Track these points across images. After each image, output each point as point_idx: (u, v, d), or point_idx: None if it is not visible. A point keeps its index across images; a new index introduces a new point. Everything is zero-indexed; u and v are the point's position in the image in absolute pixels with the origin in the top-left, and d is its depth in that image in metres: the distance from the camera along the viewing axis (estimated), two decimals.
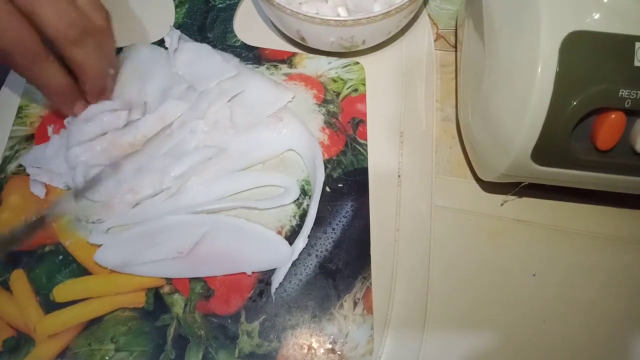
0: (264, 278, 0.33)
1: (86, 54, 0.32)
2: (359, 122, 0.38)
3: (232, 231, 0.33)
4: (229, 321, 0.31)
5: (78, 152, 0.34)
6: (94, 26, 0.32)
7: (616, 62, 0.28)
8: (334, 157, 0.37)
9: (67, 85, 0.33)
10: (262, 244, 0.33)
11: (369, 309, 0.32)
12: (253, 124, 0.36)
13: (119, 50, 0.39)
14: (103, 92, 0.35)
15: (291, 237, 0.34)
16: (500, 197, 0.36)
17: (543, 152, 0.29)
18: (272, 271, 0.33)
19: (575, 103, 0.28)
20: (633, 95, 0.28)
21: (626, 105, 0.28)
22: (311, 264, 0.33)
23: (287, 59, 0.41)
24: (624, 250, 0.35)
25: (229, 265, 0.33)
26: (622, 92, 0.28)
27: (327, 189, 0.36)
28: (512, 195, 0.36)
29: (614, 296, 0.33)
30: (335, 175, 0.36)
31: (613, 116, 0.28)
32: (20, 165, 0.36)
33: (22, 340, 0.31)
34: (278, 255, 0.33)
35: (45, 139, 0.37)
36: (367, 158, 0.37)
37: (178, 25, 0.43)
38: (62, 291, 0.32)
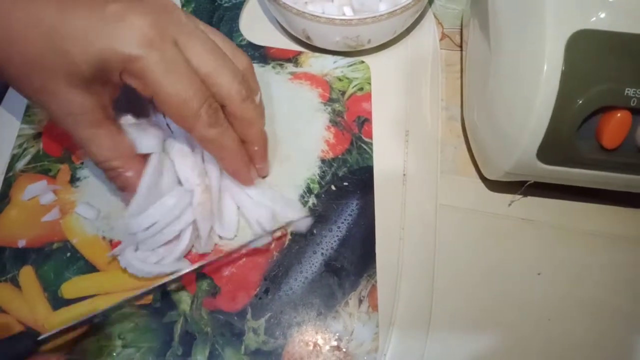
0: (270, 276, 0.33)
1: (256, 108, 0.31)
2: (365, 121, 0.39)
3: None
4: (235, 318, 0.32)
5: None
6: (243, 73, 0.31)
7: (622, 61, 0.28)
8: (340, 156, 0.37)
9: (242, 147, 0.32)
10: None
11: (374, 306, 0.32)
12: None
13: None
14: (265, 158, 0.35)
15: (296, 236, 0.34)
16: (505, 196, 0.36)
17: (548, 150, 0.29)
18: (279, 269, 0.33)
19: (580, 102, 0.28)
20: (639, 94, 0.28)
21: (632, 104, 0.28)
22: (317, 262, 0.33)
23: (292, 58, 0.41)
24: (630, 249, 0.35)
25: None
26: (628, 90, 0.28)
27: (333, 187, 0.36)
28: (518, 194, 0.36)
29: (619, 295, 0.33)
30: (340, 173, 0.36)
31: (619, 115, 0.28)
32: (29, 163, 0.37)
33: (32, 336, 0.31)
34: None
35: (52, 136, 0.37)
36: (372, 157, 0.37)
37: None
38: (70, 288, 0.32)
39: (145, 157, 0.32)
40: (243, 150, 0.32)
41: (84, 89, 0.29)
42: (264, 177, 0.36)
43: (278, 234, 0.34)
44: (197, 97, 0.29)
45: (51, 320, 0.31)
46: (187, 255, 0.33)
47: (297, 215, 0.34)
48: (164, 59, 0.28)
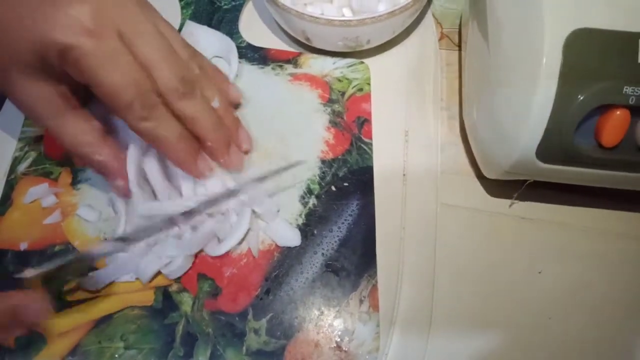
0: (271, 277, 0.33)
1: (196, 106, 0.31)
2: (364, 121, 0.39)
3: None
4: (237, 319, 0.32)
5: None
6: (194, 76, 0.32)
7: (620, 59, 0.28)
8: (340, 156, 0.37)
9: (187, 137, 0.31)
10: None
11: (374, 306, 0.32)
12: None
13: None
14: (226, 151, 0.33)
15: None
16: (505, 195, 0.36)
17: (547, 149, 0.29)
18: (279, 269, 0.33)
19: (579, 100, 0.28)
20: (637, 92, 0.28)
21: (630, 102, 0.28)
22: (317, 262, 0.33)
23: (292, 59, 0.41)
24: (630, 247, 0.35)
25: None
26: (627, 89, 0.28)
27: (333, 187, 0.36)
28: (518, 194, 0.36)
29: (619, 294, 0.33)
30: (340, 174, 0.36)
31: (617, 113, 0.28)
32: (30, 166, 0.37)
33: (33, 338, 0.31)
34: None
35: (53, 139, 0.38)
36: (372, 157, 0.37)
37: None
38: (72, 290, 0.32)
39: (116, 140, 0.33)
40: (185, 144, 0.31)
41: (38, 78, 0.29)
42: (234, 170, 0.34)
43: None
44: (130, 89, 0.28)
45: (54, 322, 0.32)
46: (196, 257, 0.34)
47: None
48: (100, 49, 0.27)
